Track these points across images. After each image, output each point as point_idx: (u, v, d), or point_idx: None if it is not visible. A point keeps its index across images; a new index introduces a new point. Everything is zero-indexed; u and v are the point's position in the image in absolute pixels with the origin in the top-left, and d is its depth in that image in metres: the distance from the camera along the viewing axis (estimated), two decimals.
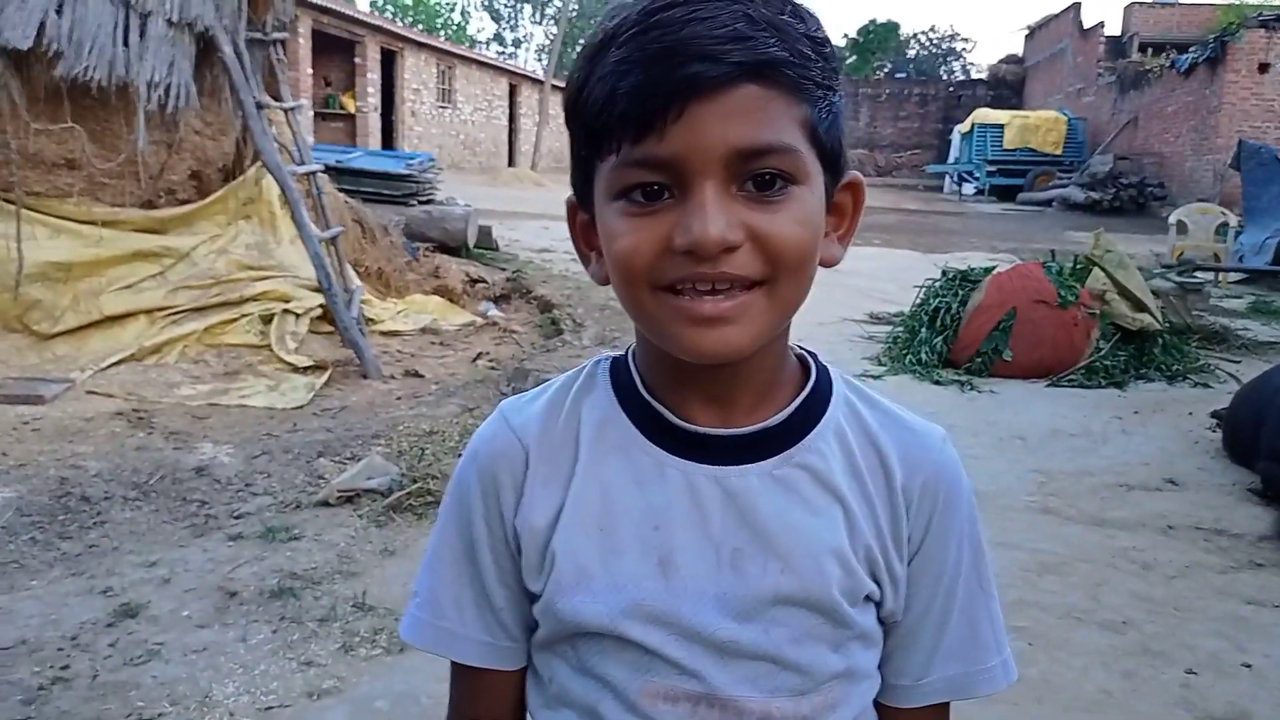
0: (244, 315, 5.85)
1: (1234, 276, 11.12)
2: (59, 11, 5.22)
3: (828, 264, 0.78)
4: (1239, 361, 6.53)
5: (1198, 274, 10.52)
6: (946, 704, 0.87)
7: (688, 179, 0.69)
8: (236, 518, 3.47)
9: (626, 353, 0.86)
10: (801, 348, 0.86)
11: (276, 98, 6.47)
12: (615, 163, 0.70)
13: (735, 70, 0.67)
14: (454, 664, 0.88)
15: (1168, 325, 6.50)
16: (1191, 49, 21.10)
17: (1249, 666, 2.72)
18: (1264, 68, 19.30)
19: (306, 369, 5.49)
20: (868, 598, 0.81)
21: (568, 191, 0.82)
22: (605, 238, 0.74)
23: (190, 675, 2.44)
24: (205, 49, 5.96)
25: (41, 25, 5.13)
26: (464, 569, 0.85)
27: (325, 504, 3.54)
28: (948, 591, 0.84)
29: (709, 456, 0.79)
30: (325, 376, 5.39)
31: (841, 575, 0.79)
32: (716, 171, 0.68)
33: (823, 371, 0.85)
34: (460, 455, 3.18)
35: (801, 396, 0.82)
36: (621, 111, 0.68)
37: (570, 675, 0.82)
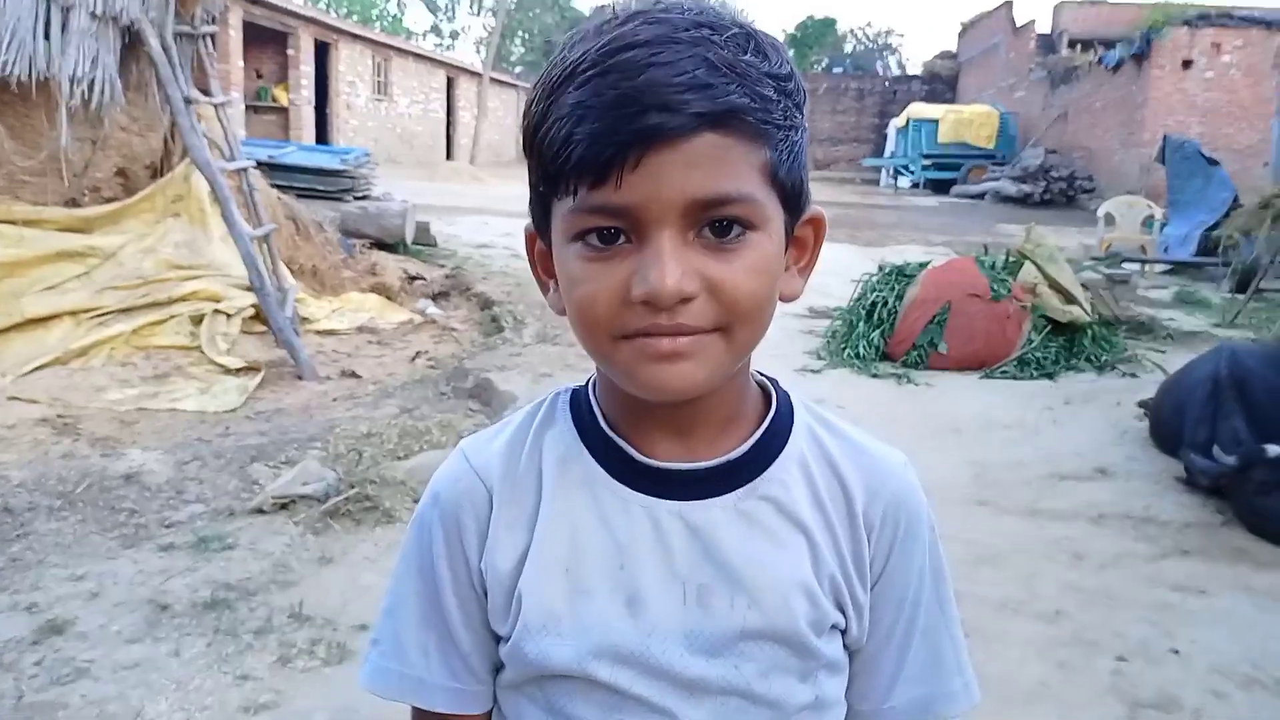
0: (173, 316, 5.71)
1: (1160, 268, 11.44)
2: None
3: (788, 298, 0.77)
4: (1165, 351, 6.71)
5: (1125, 265, 10.81)
6: None
7: (644, 227, 0.68)
8: (167, 527, 3.38)
9: (586, 385, 0.85)
10: (762, 374, 0.86)
11: (206, 92, 6.31)
12: (572, 206, 0.70)
13: (695, 121, 0.66)
14: (416, 711, 0.86)
15: (1097, 317, 6.67)
16: (1119, 45, 21.65)
17: (1177, 652, 2.80)
18: (1187, 64, 19.89)
19: (239, 371, 5.37)
20: (833, 627, 0.82)
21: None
22: (564, 279, 0.74)
23: (121, 693, 2.37)
24: (131, 42, 5.79)
25: None
26: (429, 614, 0.83)
27: (260, 511, 3.46)
28: (910, 616, 0.84)
29: (672, 491, 0.79)
30: (258, 378, 5.28)
31: (808, 608, 0.79)
32: (674, 221, 0.68)
33: (783, 399, 0.84)
34: (399, 458, 3.12)
35: (763, 428, 0.82)
36: (579, 157, 0.67)
37: (538, 717, 0.81)
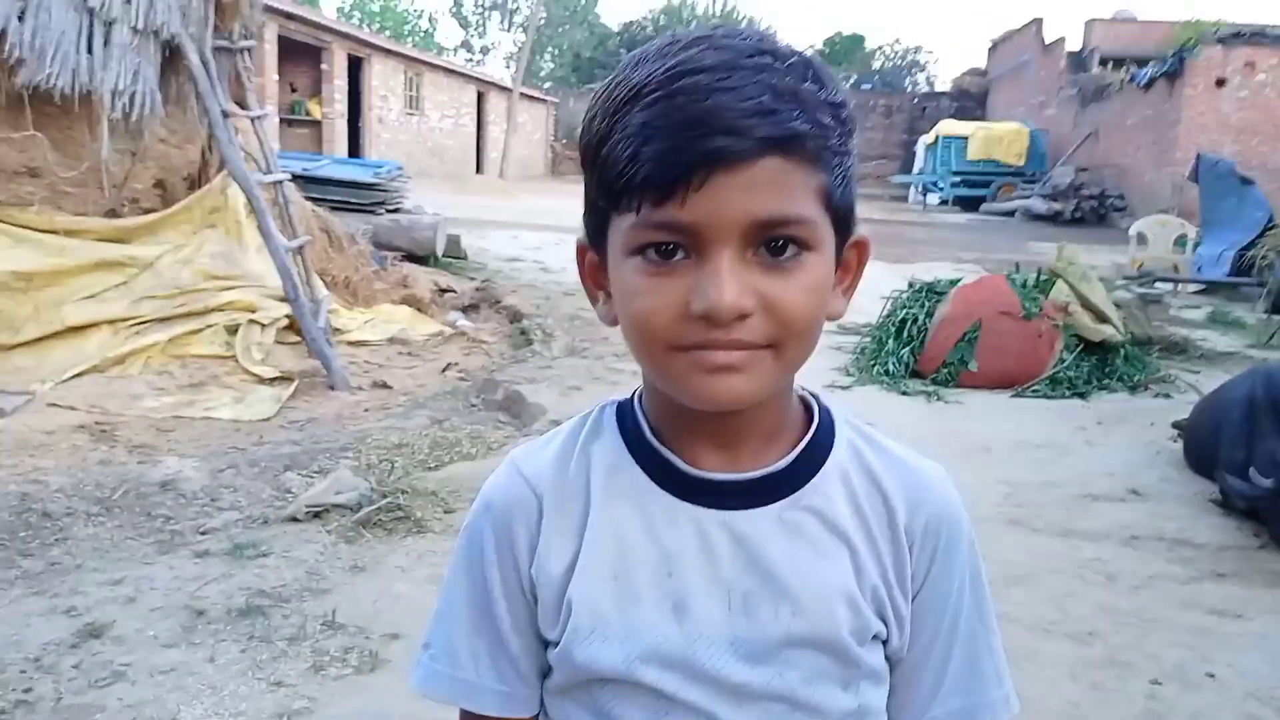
0: (209, 326, 5.78)
1: (1192, 287, 11.33)
2: (21, 18, 5.14)
3: (832, 318, 0.79)
4: (1199, 372, 6.65)
5: (1158, 285, 10.71)
6: None
7: (705, 245, 0.70)
8: (203, 533, 3.42)
9: (632, 397, 0.87)
10: (804, 389, 0.87)
11: (242, 105, 6.41)
12: (634, 221, 0.72)
13: (759, 145, 0.68)
14: (464, 714, 0.88)
15: (1129, 336, 6.61)
16: (1151, 64, 21.50)
17: (1213, 676, 2.76)
18: (1221, 83, 19.71)
19: (273, 380, 5.44)
20: (875, 636, 0.83)
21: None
22: (621, 292, 0.76)
23: (157, 697, 2.40)
24: (171, 57, 5.90)
25: (3, 32, 5.06)
26: (479, 619, 0.85)
27: (293, 519, 3.50)
28: (950, 627, 0.85)
29: (717, 501, 0.80)
30: (292, 388, 5.34)
31: (850, 616, 0.80)
32: (733, 239, 0.70)
33: (825, 413, 0.86)
34: (430, 468, 3.16)
35: (806, 440, 0.83)
36: (645, 176, 0.69)
37: None
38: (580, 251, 0.83)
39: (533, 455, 0.87)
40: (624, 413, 0.86)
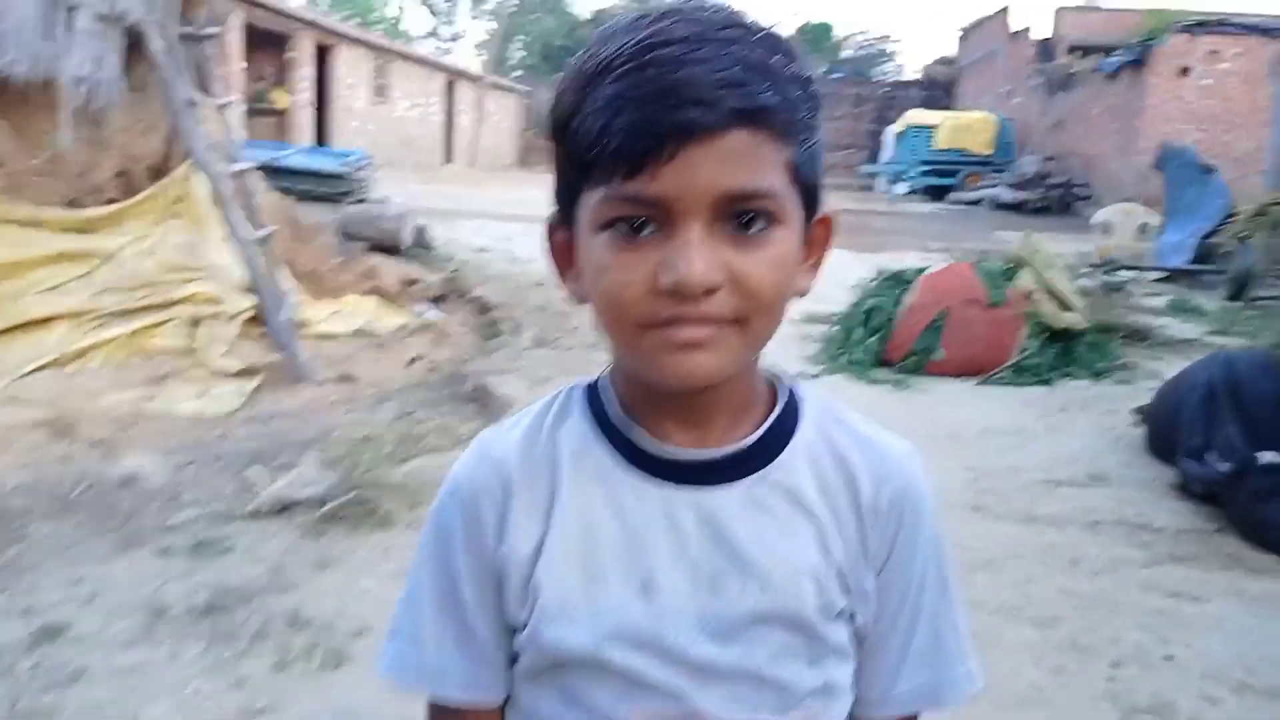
0: (172, 319, 5.70)
1: (1155, 275, 11.47)
2: None
3: (799, 294, 0.79)
4: (1160, 359, 6.74)
5: (1121, 273, 10.83)
6: (915, 716, 0.90)
7: (675, 218, 0.70)
8: (165, 530, 3.38)
9: (599, 377, 0.87)
10: (772, 368, 0.88)
11: (208, 94, 6.31)
12: (604, 195, 0.72)
13: (729, 117, 0.68)
14: (432, 705, 0.88)
15: (1093, 323, 6.68)
16: (1117, 52, 21.71)
17: (1171, 658, 2.81)
18: (1185, 72, 19.95)
19: (237, 374, 5.37)
20: (840, 612, 0.83)
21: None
22: (591, 268, 0.76)
23: (118, 697, 2.38)
24: (134, 44, 5.79)
25: None
26: (446, 605, 0.85)
27: (257, 515, 3.47)
28: (914, 603, 0.86)
29: (685, 479, 0.81)
30: (256, 381, 5.28)
31: (816, 592, 0.81)
32: (702, 212, 0.70)
33: (793, 390, 0.87)
34: (398, 461, 3.14)
35: (773, 416, 0.84)
36: (615, 148, 0.69)
37: (554, 705, 0.83)
38: (549, 230, 0.83)
39: (500, 437, 0.87)
40: (592, 393, 0.86)
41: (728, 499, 0.81)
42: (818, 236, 0.82)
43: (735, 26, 0.71)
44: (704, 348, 0.72)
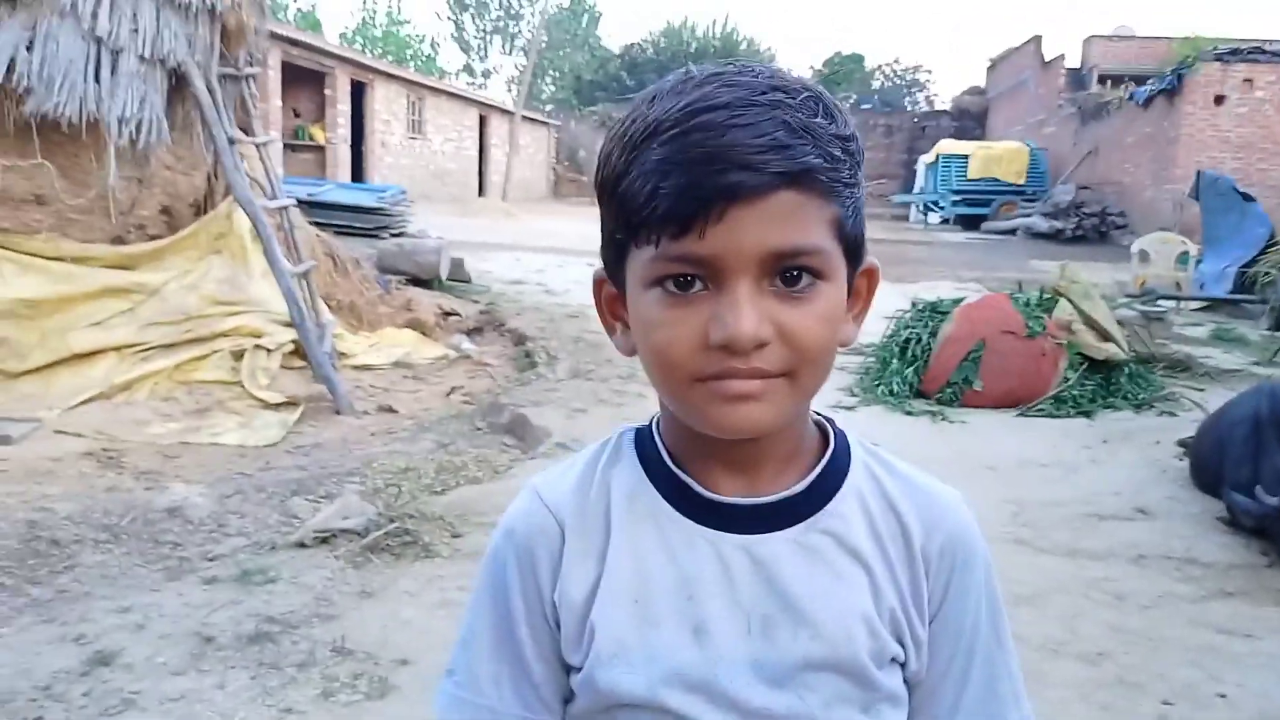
0: (215, 351, 5.81)
1: (1195, 305, 11.33)
2: (29, 48, 5.19)
3: (844, 344, 0.81)
4: (1203, 389, 6.64)
5: (1160, 302, 10.71)
6: None
7: (724, 276, 0.73)
8: (210, 560, 3.43)
9: (650, 423, 0.89)
10: (819, 414, 0.89)
11: (248, 131, 6.45)
12: (654, 254, 0.74)
13: (774, 180, 0.71)
14: None
15: (1133, 354, 6.62)
16: (1149, 81, 21.59)
17: (1223, 696, 2.75)
18: (1219, 100, 19.78)
19: (279, 405, 5.45)
20: (893, 659, 0.84)
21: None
22: (640, 323, 0.78)
23: None
24: (177, 84, 5.94)
25: (11, 61, 5.11)
26: (502, 645, 0.87)
27: (301, 545, 3.50)
28: (967, 650, 0.86)
29: (735, 525, 0.82)
30: (298, 413, 5.35)
31: (868, 639, 0.81)
32: (751, 270, 0.72)
33: (840, 437, 0.88)
34: (436, 492, 3.17)
35: (823, 463, 0.85)
36: (664, 210, 0.72)
37: None
38: (597, 284, 0.85)
39: (553, 482, 0.88)
40: (643, 439, 0.88)
41: (778, 545, 0.82)
42: (861, 287, 0.83)
43: (778, 90, 0.73)
44: (755, 399, 0.74)
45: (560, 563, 0.84)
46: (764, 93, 0.73)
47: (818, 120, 0.73)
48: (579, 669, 0.83)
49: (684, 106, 0.72)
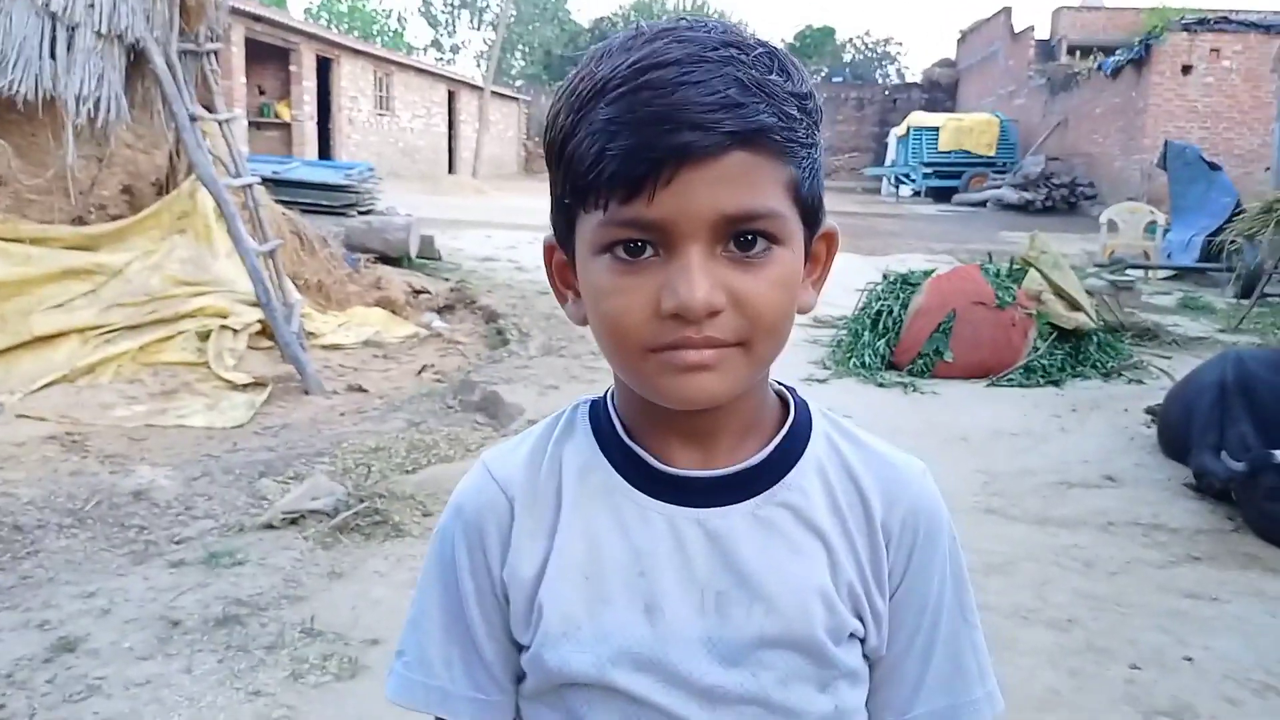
0: (180, 332, 5.72)
1: (1163, 273, 11.44)
2: None
3: (802, 310, 0.78)
4: (1170, 358, 6.71)
5: (1129, 272, 10.80)
6: None
7: (674, 241, 0.70)
8: (177, 543, 3.38)
9: (605, 396, 0.86)
10: (780, 384, 0.86)
11: (210, 109, 6.33)
12: (602, 219, 0.71)
13: (726, 140, 0.67)
14: None
15: (1102, 323, 6.67)
16: (1118, 52, 21.71)
17: (1190, 660, 2.79)
18: (1187, 69, 19.93)
19: (246, 386, 5.38)
20: (851, 635, 0.82)
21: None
22: (590, 291, 0.75)
23: (134, 710, 2.37)
24: (136, 61, 5.82)
25: None
26: (452, 625, 0.84)
27: (269, 526, 3.47)
28: (931, 624, 0.84)
29: (691, 499, 0.79)
30: (265, 394, 5.29)
31: (825, 614, 0.79)
32: (703, 235, 0.69)
33: (802, 408, 0.85)
34: (407, 471, 3.14)
35: (781, 435, 0.82)
36: (611, 173, 0.68)
37: None
38: (548, 250, 0.82)
39: (504, 457, 0.85)
40: (597, 412, 0.85)
41: (734, 519, 0.79)
42: (820, 252, 0.81)
43: (730, 46, 0.70)
44: (709, 369, 0.71)
45: (510, 539, 0.81)
46: (716, 49, 0.69)
47: (772, 77, 0.70)
48: (528, 648, 0.81)
49: (632, 64, 0.68)
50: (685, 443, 0.80)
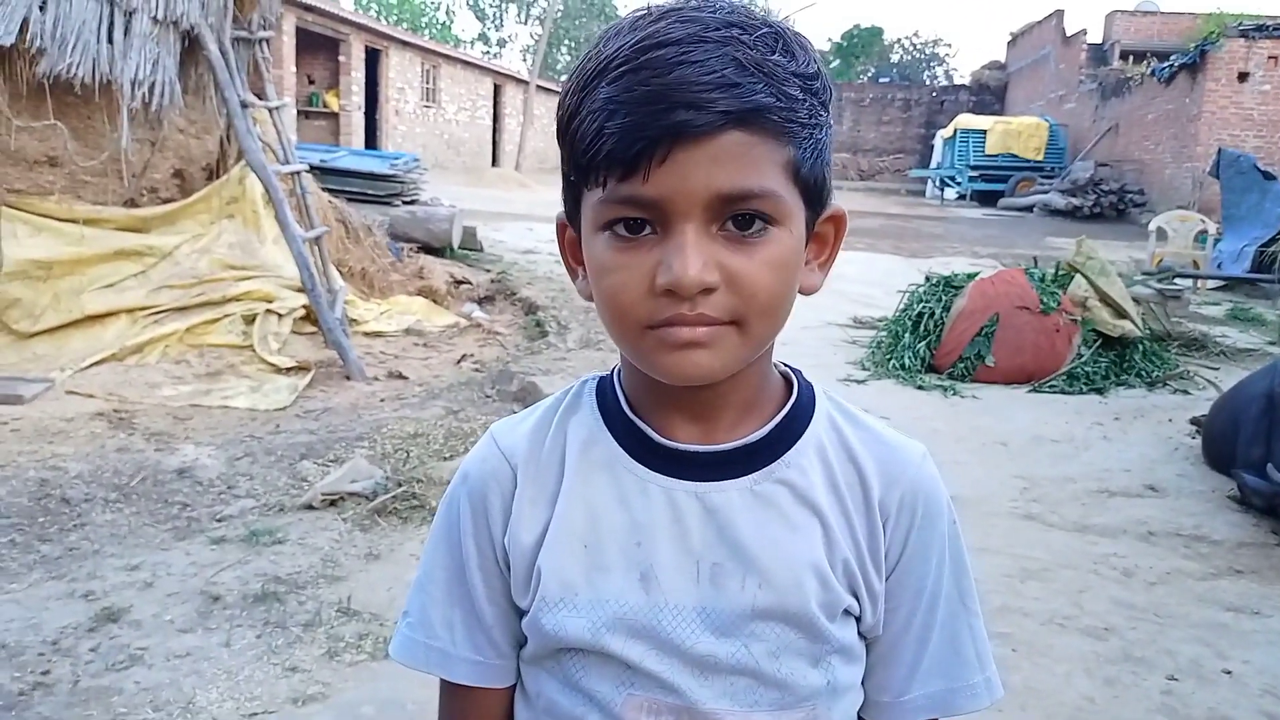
0: (226, 315, 5.82)
1: (1212, 283, 11.23)
2: (42, 8, 5.17)
3: (807, 292, 0.79)
4: (1217, 368, 6.59)
5: (1177, 281, 10.61)
6: None
7: (670, 219, 0.71)
8: (219, 520, 3.44)
9: (612, 373, 0.88)
10: (786, 365, 0.88)
11: (261, 96, 6.43)
12: (601, 196, 0.72)
13: (721, 119, 0.68)
14: (444, 683, 0.89)
15: (1148, 332, 6.57)
16: (1172, 57, 21.29)
17: (1229, 673, 2.74)
18: (1243, 77, 19.50)
19: (289, 370, 5.46)
20: (846, 612, 0.83)
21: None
22: (592, 267, 0.76)
23: (173, 681, 2.42)
24: (190, 47, 5.92)
25: (25, 22, 5.08)
26: (455, 589, 0.86)
27: (309, 507, 3.52)
28: (928, 607, 0.85)
29: (690, 473, 0.81)
30: (308, 378, 5.36)
31: (819, 590, 0.80)
32: (698, 214, 0.70)
33: (805, 388, 0.86)
34: (445, 458, 3.17)
35: (783, 413, 0.84)
36: (608, 151, 0.70)
37: (557, 690, 0.84)
38: (560, 227, 0.84)
39: (511, 428, 0.88)
40: (604, 387, 0.87)
41: (732, 494, 0.80)
42: (827, 234, 0.81)
43: (733, 26, 0.70)
44: (702, 346, 0.72)
45: (512, 506, 0.84)
46: (718, 29, 0.70)
47: (774, 57, 0.70)
48: (527, 612, 0.83)
49: (635, 43, 0.70)
50: (687, 418, 0.82)
